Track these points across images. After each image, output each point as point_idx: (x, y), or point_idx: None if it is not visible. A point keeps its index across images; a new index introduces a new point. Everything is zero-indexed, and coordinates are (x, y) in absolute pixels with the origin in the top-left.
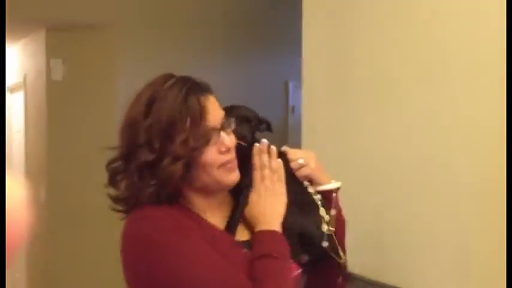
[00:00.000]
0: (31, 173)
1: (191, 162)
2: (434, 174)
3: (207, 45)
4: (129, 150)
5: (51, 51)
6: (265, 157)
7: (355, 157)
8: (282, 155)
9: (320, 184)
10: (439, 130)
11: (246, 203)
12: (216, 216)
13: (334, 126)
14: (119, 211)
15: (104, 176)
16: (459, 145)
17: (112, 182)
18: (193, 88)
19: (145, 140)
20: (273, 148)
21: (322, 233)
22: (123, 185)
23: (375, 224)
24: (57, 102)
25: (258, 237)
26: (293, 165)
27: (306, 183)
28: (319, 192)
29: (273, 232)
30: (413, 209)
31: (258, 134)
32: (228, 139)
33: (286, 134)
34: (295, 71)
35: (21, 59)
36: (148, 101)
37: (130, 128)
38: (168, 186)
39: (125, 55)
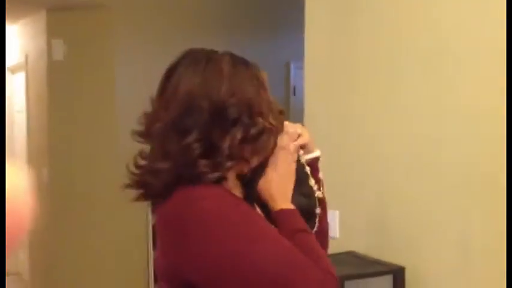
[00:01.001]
0: (33, 154)
1: (277, 135)
2: (434, 158)
3: (207, 25)
4: (214, 128)
5: (52, 32)
6: (286, 138)
7: (357, 138)
8: None
9: (310, 152)
10: (440, 115)
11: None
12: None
13: (336, 107)
14: (130, 187)
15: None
16: (460, 130)
17: (186, 162)
18: (251, 64)
19: (237, 115)
20: (293, 131)
21: (315, 201)
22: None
23: (377, 204)
24: (58, 82)
25: (287, 214)
26: (293, 135)
27: (301, 151)
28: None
29: (296, 211)
30: (414, 191)
31: None
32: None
33: (287, 114)
34: (296, 52)
35: (22, 39)
36: (222, 78)
37: (210, 104)
38: (247, 164)
39: (125, 34)
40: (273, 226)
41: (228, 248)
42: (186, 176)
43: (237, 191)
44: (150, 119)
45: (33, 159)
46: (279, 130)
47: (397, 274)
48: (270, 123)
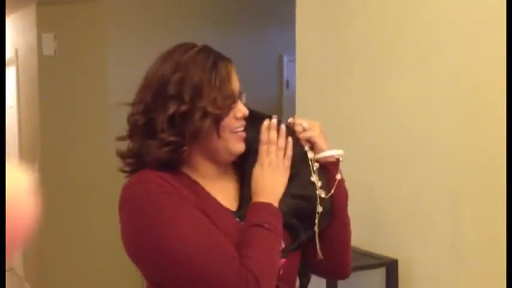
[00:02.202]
0: (25, 148)
1: (219, 119)
2: (426, 151)
3: (199, 19)
4: (156, 103)
5: (42, 26)
6: (273, 133)
7: (349, 131)
8: (288, 127)
9: (321, 150)
10: (430, 107)
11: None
12: (215, 187)
13: (327, 100)
14: (125, 171)
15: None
16: (451, 124)
17: (132, 134)
18: (220, 56)
19: (175, 92)
20: (283, 127)
21: (315, 203)
22: (139, 138)
23: (368, 197)
24: (49, 77)
25: (253, 207)
26: (297, 128)
27: (306, 147)
28: (319, 160)
29: (269, 205)
30: (406, 184)
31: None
32: (244, 107)
33: (280, 108)
34: (289, 45)
35: (12, 34)
36: (177, 61)
37: (158, 81)
38: (190, 144)
39: (116, 28)
40: (206, 219)
41: (146, 232)
42: (145, 160)
43: (209, 179)
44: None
45: (24, 154)
46: (219, 117)
47: (390, 267)
48: (211, 107)
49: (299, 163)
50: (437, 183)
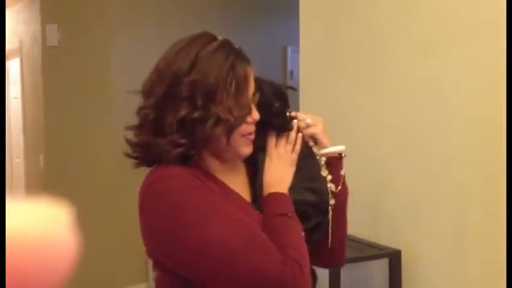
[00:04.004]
0: (30, 141)
1: (232, 128)
2: (430, 141)
3: (205, 10)
4: (167, 101)
5: (46, 17)
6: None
7: (353, 122)
8: (291, 119)
9: (325, 147)
10: (434, 97)
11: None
12: (229, 180)
13: (331, 91)
14: (131, 157)
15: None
16: (455, 112)
17: (141, 127)
18: (240, 55)
19: (188, 94)
20: (294, 121)
21: (327, 197)
22: (148, 133)
23: (372, 188)
24: (53, 67)
25: (270, 198)
26: (300, 124)
27: (310, 143)
28: (324, 155)
29: (285, 195)
30: (409, 174)
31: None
32: (257, 113)
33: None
34: (293, 36)
35: (15, 25)
36: (194, 57)
37: (171, 77)
38: (199, 147)
39: (120, 19)
40: (240, 212)
41: (185, 227)
42: (154, 155)
43: (221, 172)
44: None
45: (29, 146)
46: (232, 126)
47: (394, 257)
48: (224, 115)
49: (302, 158)
50: (440, 175)
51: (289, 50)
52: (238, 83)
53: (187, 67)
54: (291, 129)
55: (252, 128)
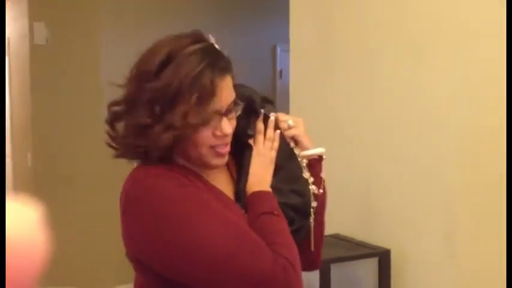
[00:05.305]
0: (17, 138)
1: (183, 136)
2: (421, 141)
3: (195, 8)
4: (131, 102)
5: (34, 15)
6: (260, 124)
7: (343, 122)
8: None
9: (306, 149)
10: (425, 98)
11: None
12: (213, 177)
13: (321, 90)
14: (112, 147)
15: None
16: (446, 113)
17: (110, 124)
18: (213, 64)
19: (148, 99)
20: (271, 119)
21: (309, 198)
22: (121, 128)
23: (363, 188)
24: (41, 66)
25: (254, 196)
26: (282, 125)
27: (292, 144)
28: (305, 157)
29: (269, 193)
30: (399, 174)
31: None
32: (228, 126)
33: (274, 98)
34: (283, 35)
35: None
36: (165, 60)
37: (138, 80)
38: (154, 151)
39: (108, 17)
40: (227, 211)
41: (170, 228)
42: (135, 152)
43: (204, 170)
44: None
45: (16, 145)
46: (180, 135)
47: (383, 256)
48: (176, 123)
49: (283, 158)
50: (431, 175)
51: (278, 49)
52: (200, 94)
53: (155, 69)
54: (258, 115)
55: (220, 142)
